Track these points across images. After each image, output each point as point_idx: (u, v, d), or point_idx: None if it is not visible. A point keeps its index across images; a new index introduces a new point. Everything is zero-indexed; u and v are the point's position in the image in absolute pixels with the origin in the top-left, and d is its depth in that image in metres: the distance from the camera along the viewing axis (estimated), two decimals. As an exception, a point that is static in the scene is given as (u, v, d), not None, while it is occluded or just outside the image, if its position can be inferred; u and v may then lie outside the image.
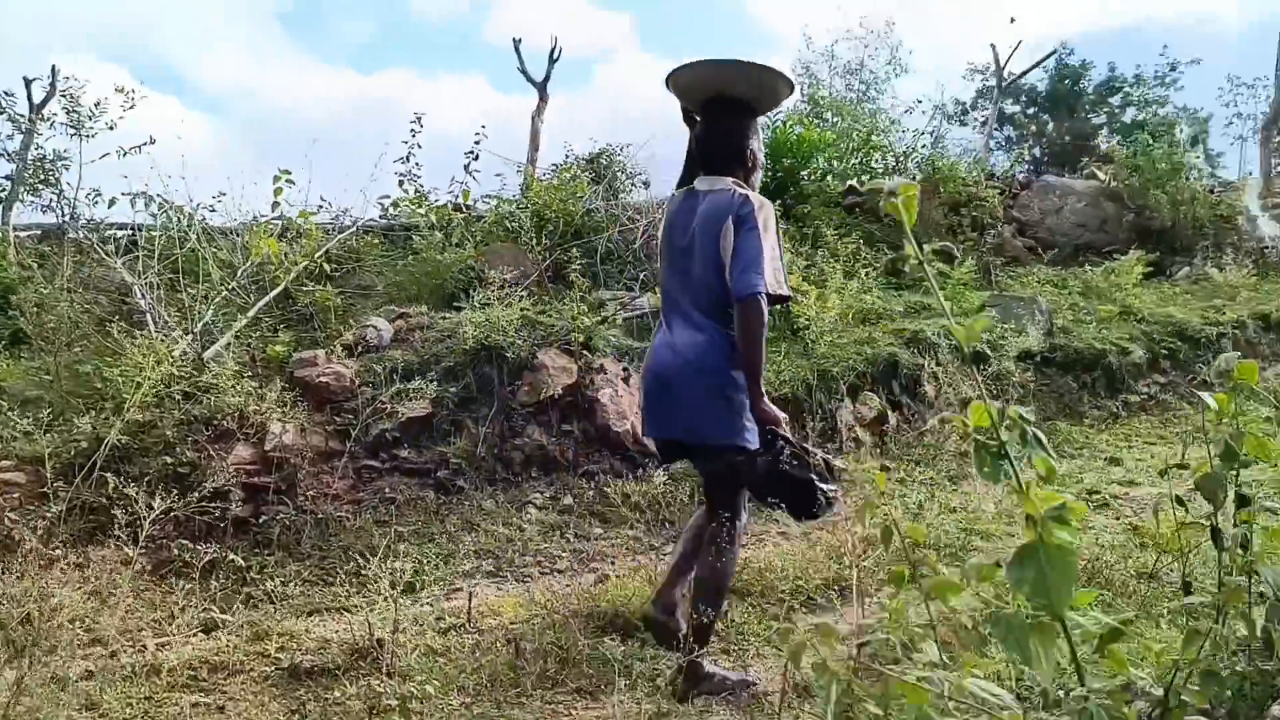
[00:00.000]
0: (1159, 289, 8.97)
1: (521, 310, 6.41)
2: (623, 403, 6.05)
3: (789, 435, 3.13)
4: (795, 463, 3.07)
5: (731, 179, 3.25)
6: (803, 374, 6.49)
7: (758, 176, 3.37)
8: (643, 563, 4.83)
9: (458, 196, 8.95)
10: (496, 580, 4.75)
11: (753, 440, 3.10)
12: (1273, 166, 13.48)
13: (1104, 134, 25.27)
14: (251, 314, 6.38)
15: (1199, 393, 2.72)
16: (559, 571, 4.87)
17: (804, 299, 7.27)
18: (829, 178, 11.55)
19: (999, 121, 21.69)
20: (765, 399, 3.10)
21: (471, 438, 5.80)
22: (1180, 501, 2.90)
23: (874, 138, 11.53)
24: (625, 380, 6.18)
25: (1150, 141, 10.63)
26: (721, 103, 3.31)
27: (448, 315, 6.80)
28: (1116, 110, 26.74)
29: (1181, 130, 11.41)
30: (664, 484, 5.68)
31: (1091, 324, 7.91)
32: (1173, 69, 25.75)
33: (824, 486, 3.07)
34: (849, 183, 11.68)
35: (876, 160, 11.62)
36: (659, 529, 5.33)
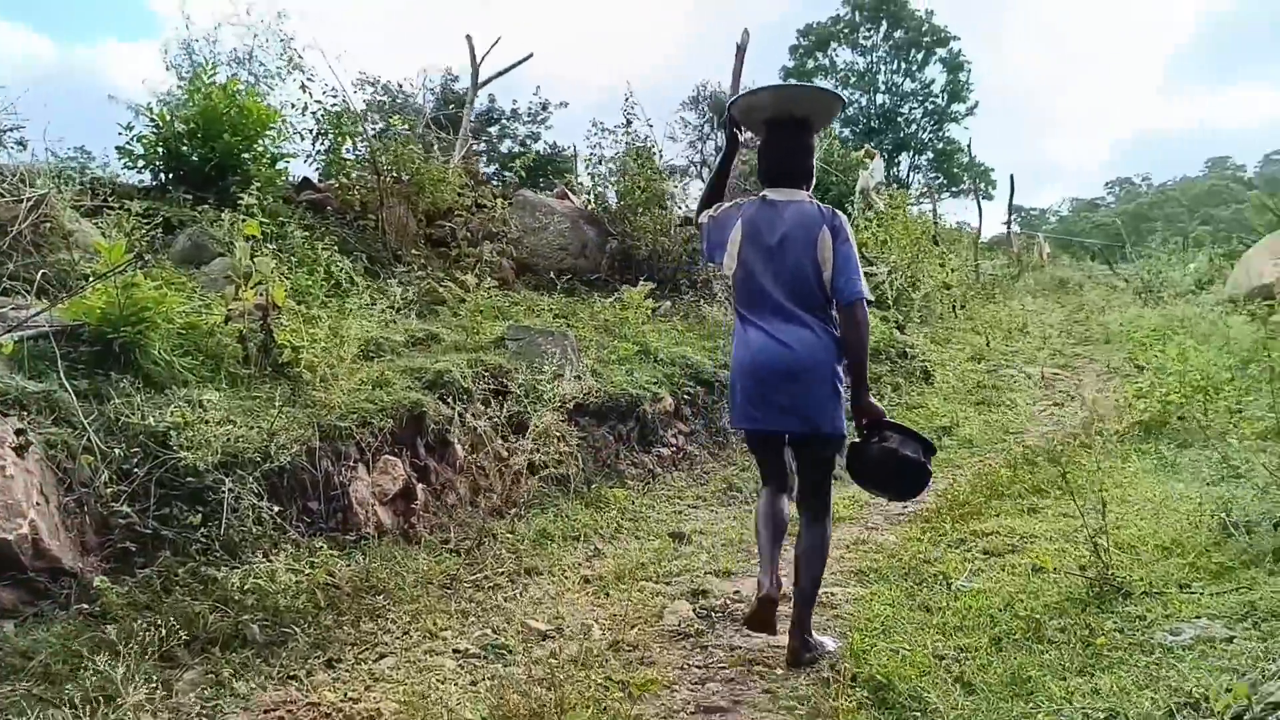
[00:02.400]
0: (660, 325, 8.49)
1: None
2: (16, 488, 3.72)
3: (894, 422, 3.51)
4: (908, 447, 3.42)
5: (805, 192, 3.64)
6: (301, 432, 4.64)
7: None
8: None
9: None
10: None
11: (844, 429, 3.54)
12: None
13: (482, 162, 26.45)
14: None
15: None
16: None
17: (288, 324, 5.40)
18: (280, 164, 9.43)
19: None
20: (869, 393, 3.51)
21: None
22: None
23: (344, 122, 9.64)
24: (20, 450, 3.81)
25: (635, 166, 10.29)
26: (787, 123, 3.62)
27: None
28: (495, 140, 28.29)
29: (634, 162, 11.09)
30: (84, 623, 3.52)
31: (618, 364, 7.04)
32: (544, 108, 28.65)
33: (929, 467, 3.48)
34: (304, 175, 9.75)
35: (347, 149, 9.76)
36: (94, 711, 3.16)
